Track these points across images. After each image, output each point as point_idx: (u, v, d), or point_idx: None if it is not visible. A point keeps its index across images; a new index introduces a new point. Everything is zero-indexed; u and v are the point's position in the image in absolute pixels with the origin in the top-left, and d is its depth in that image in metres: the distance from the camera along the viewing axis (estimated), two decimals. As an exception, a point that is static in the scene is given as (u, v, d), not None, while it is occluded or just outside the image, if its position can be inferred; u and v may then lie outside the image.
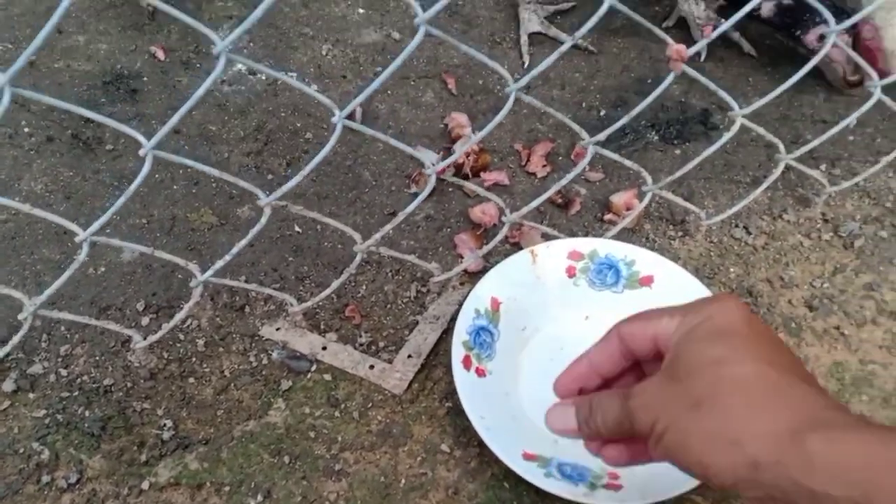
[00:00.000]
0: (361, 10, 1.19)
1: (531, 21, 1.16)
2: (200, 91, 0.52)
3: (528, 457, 0.66)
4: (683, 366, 0.46)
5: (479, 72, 1.11)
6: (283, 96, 1.05)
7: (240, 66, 1.08)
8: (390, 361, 0.76)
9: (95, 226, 0.59)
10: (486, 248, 0.81)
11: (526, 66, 1.12)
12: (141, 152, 0.56)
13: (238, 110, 1.02)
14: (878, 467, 0.37)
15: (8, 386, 0.73)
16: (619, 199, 0.91)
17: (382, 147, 0.99)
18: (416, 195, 0.69)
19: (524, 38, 1.15)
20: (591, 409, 0.51)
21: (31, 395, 0.73)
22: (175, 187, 0.92)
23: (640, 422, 0.47)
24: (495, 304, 0.77)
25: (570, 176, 0.71)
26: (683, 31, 1.17)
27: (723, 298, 0.50)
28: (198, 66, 1.08)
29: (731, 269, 0.86)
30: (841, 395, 0.75)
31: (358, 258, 0.72)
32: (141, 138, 0.56)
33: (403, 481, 0.68)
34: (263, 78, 1.07)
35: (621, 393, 0.49)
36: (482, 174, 0.95)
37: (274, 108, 1.03)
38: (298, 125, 1.01)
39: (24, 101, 0.98)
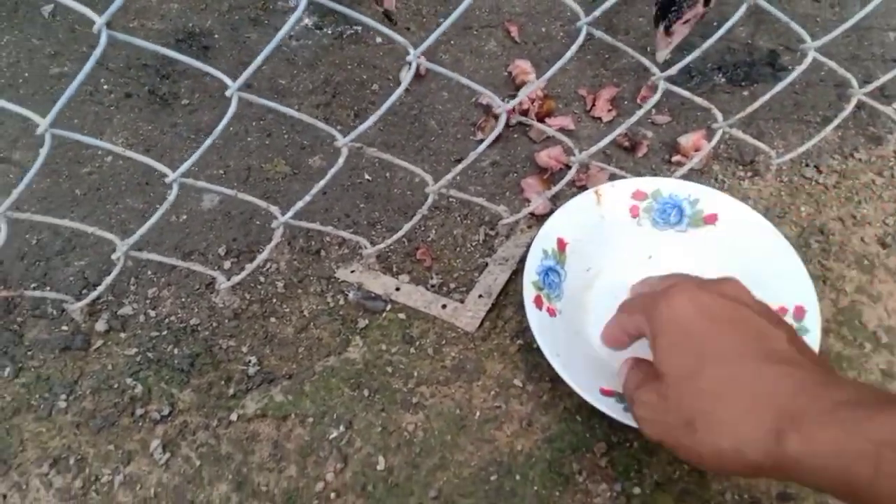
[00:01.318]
0: (423, -37, 1.20)
1: None
2: (286, 28, 0.54)
3: (605, 392, 0.67)
4: (665, 380, 0.51)
5: (542, 19, 1.10)
6: (349, 49, 1.07)
7: (307, 21, 1.09)
8: (462, 301, 0.78)
9: (185, 166, 0.62)
10: (554, 190, 0.82)
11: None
12: (227, 93, 0.58)
13: (306, 64, 1.05)
14: (849, 459, 0.41)
15: (101, 326, 0.78)
16: (686, 140, 0.90)
17: (447, 96, 1.00)
18: (481, 142, 0.70)
19: None
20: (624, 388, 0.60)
21: (122, 335, 0.78)
22: (249, 139, 0.95)
23: (648, 435, 0.53)
24: (562, 245, 0.77)
25: (640, 112, 0.72)
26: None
27: (672, 294, 0.53)
28: (266, 22, 1.10)
29: (802, 209, 0.85)
30: (915, 331, 0.75)
31: (430, 199, 0.74)
32: (227, 80, 0.58)
33: (478, 413, 0.70)
34: (329, 32, 1.09)
35: (632, 397, 0.56)
36: (547, 120, 0.95)
37: (340, 61, 1.05)
38: (364, 77, 1.03)
39: (103, 58, 1.02)
